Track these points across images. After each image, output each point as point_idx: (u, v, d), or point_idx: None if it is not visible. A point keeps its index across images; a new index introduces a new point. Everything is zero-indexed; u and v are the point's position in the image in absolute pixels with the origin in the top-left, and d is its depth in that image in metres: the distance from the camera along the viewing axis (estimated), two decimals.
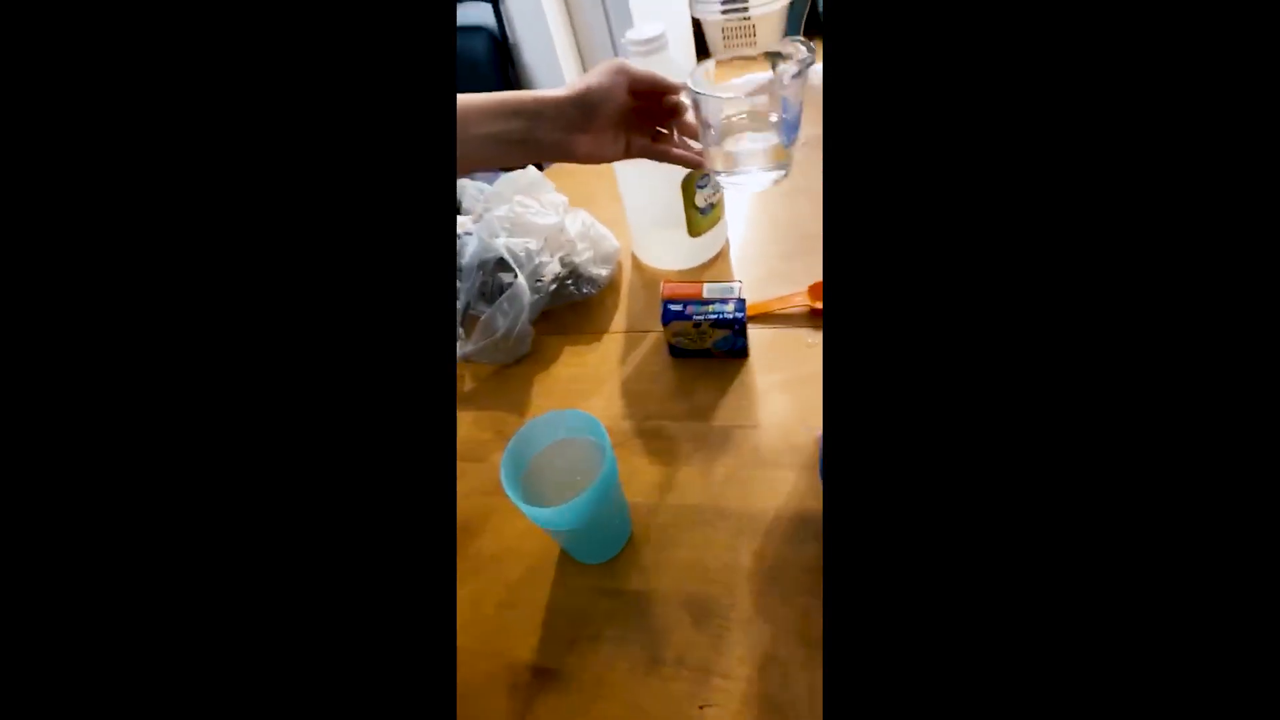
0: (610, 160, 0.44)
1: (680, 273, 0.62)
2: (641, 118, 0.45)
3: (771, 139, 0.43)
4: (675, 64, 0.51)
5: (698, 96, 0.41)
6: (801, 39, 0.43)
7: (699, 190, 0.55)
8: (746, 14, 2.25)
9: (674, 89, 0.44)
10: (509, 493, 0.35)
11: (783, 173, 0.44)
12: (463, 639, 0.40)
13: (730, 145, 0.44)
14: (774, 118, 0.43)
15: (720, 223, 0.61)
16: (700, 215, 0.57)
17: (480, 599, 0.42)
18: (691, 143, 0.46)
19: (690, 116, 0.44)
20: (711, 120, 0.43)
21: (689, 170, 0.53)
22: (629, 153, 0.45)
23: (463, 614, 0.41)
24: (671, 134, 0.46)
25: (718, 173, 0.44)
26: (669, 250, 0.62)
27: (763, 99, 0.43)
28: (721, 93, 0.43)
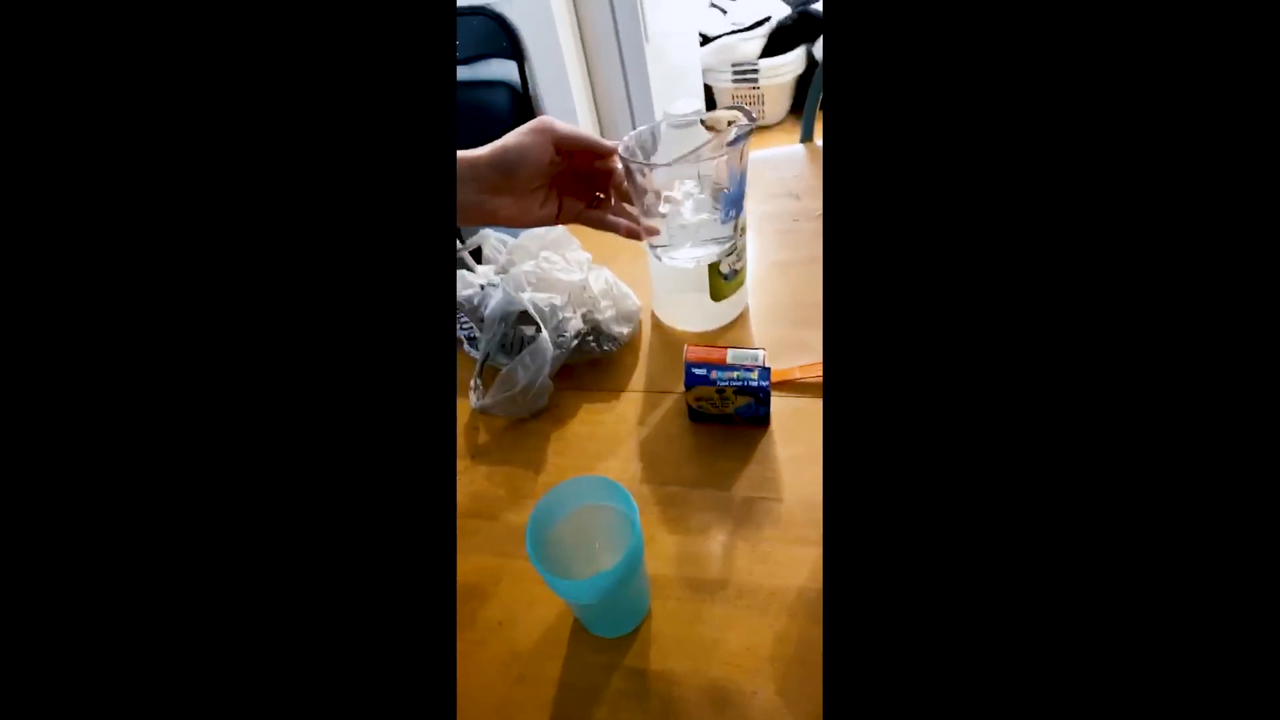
0: (541, 224, 0.42)
1: (700, 335, 0.62)
2: (577, 181, 0.42)
3: (708, 212, 0.41)
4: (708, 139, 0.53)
5: (629, 163, 0.39)
6: (744, 107, 0.42)
7: (724, 256, 0.56)
8: (756, 84, 2.36)
9: (606, 151, 0.41)
10: (534, 562, 0.34)
11: (721, 248, 0.42)
12: (469, 712, 0.38)
13: (667, 216, 0.41)
14: (702, 190, 0.41)
15: (742, 288, 0.62)
16: (724, 280, 0.58)
17: (489, 669, 0.40)
18: (631, 208, 0.43)
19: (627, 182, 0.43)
20: (646, 187, 0.41)
21: None
22: (561, 218, 0.42)
23: (470, 683, 0.39)
24: (609, 199, 0.44)
25: (653, 246, 0.42)
26: (690, 312, 0.62)
27: (708, 167, 0.41)
28: (657, 160, 0.41)
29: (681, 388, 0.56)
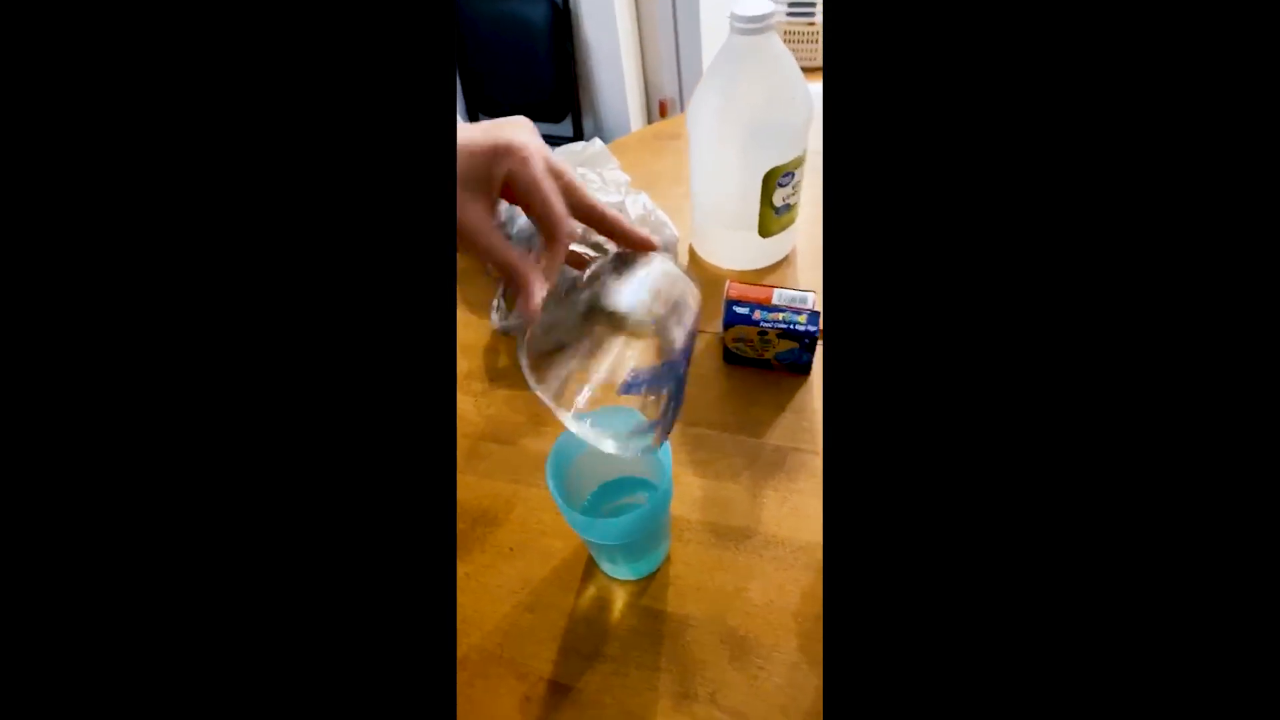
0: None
1: (741, 273, 0.58)
2: None
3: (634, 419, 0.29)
4: (778, 50, 0.47)
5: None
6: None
7: (779, 187, 0.51)
8: (812, 19, 2.20)
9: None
10: (557, 499, 0.32)
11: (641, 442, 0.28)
12: (475, 636, 0.37)
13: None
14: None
15: (792, 226, 0.57)
16: (775, 215, 0.53)
17: (498, 594, 0.39)
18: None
19: None
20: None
21: (774, 165, 0.49)
22: None
23: (479, 608, 0.38)
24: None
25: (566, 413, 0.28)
26: (733, 248, 0.58)
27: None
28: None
29: (718, 328, 0.52)
